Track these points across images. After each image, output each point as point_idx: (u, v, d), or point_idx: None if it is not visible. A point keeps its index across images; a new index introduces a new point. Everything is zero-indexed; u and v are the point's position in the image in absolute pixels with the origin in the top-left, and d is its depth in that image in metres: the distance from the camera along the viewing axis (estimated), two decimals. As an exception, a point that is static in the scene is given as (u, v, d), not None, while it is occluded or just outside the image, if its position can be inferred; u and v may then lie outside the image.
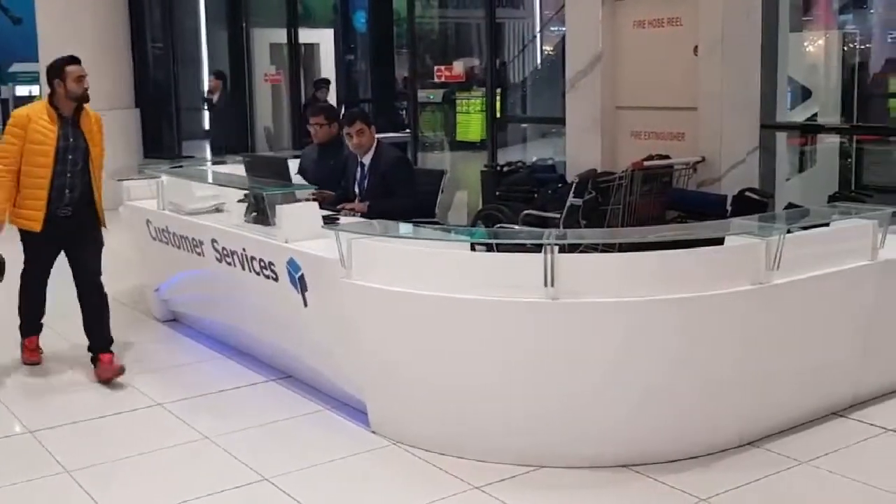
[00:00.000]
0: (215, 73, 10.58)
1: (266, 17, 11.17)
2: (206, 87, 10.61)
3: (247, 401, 4.25)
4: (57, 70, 4.38)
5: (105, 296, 4.57)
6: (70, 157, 4.39)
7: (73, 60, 4.42)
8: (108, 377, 4.42)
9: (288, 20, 10.41)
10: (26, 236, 4.47)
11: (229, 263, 4.58)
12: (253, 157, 6.92)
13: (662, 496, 3.24)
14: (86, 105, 4.47)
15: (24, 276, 4.57)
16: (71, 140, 4.40)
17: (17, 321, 4.71)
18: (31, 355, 4.71)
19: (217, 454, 3.67)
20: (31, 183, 4.36)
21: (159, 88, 12.18)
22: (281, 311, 4.23)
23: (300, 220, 4.17)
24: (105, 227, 4.58)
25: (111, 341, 4.54)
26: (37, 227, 4.38)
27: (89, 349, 4.53)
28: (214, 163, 6.69)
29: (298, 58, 10.67)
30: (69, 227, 4.43)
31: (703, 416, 3.51)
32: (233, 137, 10.32)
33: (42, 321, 4.72)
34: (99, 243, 4.56)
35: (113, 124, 5.65)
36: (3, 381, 4.51)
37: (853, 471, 3.40)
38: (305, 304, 4.03)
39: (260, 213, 4.51)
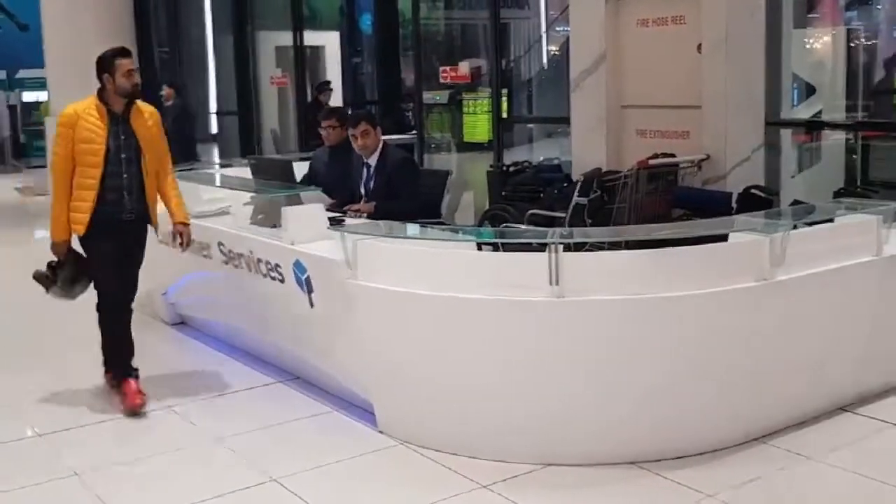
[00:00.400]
0: (168, 83, 10.44)
1: (271, 19, 11.22)
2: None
3: (254, 402, 4.28)
4: (105, 63, 4.04)
5: (131, 313, 4.29)
6: (123, 156, 4.06)
7: (124, 53, 4.09)
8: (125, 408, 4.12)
9: (293, 23, 10.45)
10: (84, 245, 4.11)
11: (236, 266, 4.60)
12: (258, 160, 6.96)
13: (669, 492, 3.25)
14: (139, 101, 4.15)
15: (101, 304, 4.16)
16: (123, 138, 4.06)
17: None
18: (134, 398, 4.11)
19: (225, 456, 3.69)
20: (81, 184, 4.03)
21: (166, 92, 12.24)
22: (287, 312, 4.25)
23: (306, 221, 4.20)
24: (188, 222, 4.30)
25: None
26: (80, 229, 4.03)
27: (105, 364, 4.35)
28: (221, 166, 6.71)
29: (304, 60, 10.72)
30: (132, 233, 4.16)
31: (709, 413, 3.51)
32: (182, 150, 10.10)
33: (133, 360, 4.24)
34: (142, 256, 4.29)
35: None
36: (13, 385, 4.54)
37: (860, 466, 3.39)
38: (312, 306, 4.05)
39: (266, 215, 4.53)
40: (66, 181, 4.04)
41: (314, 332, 4.12)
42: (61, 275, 4.19)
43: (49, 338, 4.82)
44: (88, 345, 4.67)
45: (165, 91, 10.28)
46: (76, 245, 4.21)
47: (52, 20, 10.44)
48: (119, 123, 4.08)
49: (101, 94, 4.09)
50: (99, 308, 4.21)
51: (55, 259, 4.20)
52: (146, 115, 4.19)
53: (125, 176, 4.08)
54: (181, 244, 4.29)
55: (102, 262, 4.12)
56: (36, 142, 14.71)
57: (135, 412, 4.08)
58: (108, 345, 4.28)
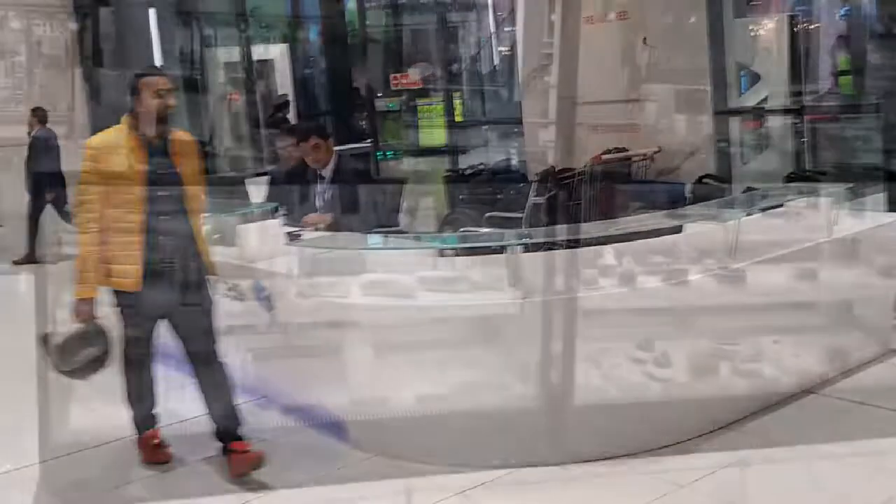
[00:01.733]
0: (32, 110, 9.32)
1: (219, 36, 11.13)
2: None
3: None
4: (132, 84, 3.47)
5: (224, 367, 3.62)
6: (165, 193, 3.49)
7: (152, 71, 3.56)
8: (243, 471, 3.53)
9: (240, 38, 10.38)
10: (121, 300, 3.51)
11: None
12: (210, 180, 6.87)
13: (645, 485, 3.25)
14: (176, 129, 3.58)
15: (127, 354, 3.61)
16: (162, 173, 3.47)
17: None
18: (155, 454, 3.75)
19: (195, 479, 3.64)
20: (119, 228, 3.42)
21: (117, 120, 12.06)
22: (250, 331, 4.20)
23: (262, 238, 4.16)
24: (216, 275, 3.64)
25: (240, 423, 3.64)
26: (133, 285, 3.43)
27: (218, 438, 3.65)
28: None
29: (254, 75, 10.65)
30: (172, 287, 3.53)
31: (678, 403, 3.54)
32: (54, 182, 8.52)
33: (156, 411, 3.79)
34: (208, 302, 3.60)
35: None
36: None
37: (831, 446, 3.44)
38: (274, 323, 4.01)
39: (222, 235, 4.48)
40: (97, 225, 3.42)
41: (278, 349, 4.07)
42: (79, 343, 3.46)
43: None
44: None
45: (29, 119, 9.14)
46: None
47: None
48: (156, 155, 3.48)
49: (132, 121, 3.50)
50: (123, 356, 3.62)
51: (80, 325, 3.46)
52: (184, 144, 3.59)
53: (167, 217, 3.49)
54: None
55: (131, 317, 3.55)
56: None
57: (158, 462, 3.72)
58: (130, 396, 3.74)
